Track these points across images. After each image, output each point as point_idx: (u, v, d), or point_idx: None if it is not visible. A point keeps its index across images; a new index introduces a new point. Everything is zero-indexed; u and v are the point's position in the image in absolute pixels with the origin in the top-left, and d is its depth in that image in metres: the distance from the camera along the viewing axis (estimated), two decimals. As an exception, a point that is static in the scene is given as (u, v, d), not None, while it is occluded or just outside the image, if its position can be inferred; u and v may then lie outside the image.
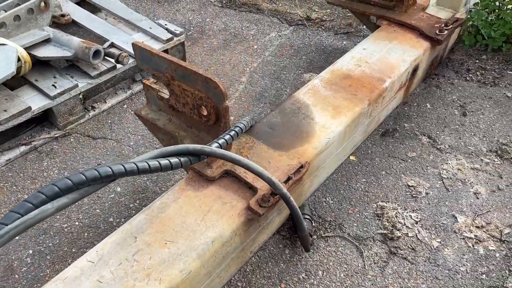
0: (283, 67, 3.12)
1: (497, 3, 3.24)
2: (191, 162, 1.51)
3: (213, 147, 1.58)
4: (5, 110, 2.24)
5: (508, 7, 3.27)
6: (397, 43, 2.64)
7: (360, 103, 2.19)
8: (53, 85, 2.37)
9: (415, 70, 2.65)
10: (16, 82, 2.45)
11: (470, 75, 3.07)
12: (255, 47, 3.31)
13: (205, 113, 1.81)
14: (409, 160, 2.42)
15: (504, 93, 2.90)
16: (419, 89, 2.95)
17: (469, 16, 3.25)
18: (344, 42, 3.41)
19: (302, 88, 2.31)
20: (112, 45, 2.71)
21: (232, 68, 3.09)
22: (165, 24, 2.91)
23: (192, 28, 3.50)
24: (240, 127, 1.79)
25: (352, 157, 2.44)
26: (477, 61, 3.20)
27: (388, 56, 2.52)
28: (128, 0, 3.80)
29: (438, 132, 2.60)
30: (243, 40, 3.39)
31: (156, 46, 2.79)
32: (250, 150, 1.89)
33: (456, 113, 2.75)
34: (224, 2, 3.87)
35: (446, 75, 3.07)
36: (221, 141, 1.67)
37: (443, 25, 2.73)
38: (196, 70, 1.70)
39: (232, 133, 1.73)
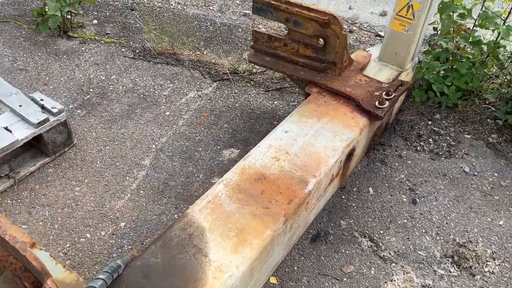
0: (198, 141, 2.59)
1: (450, 51, 2.81)
2: None
3: None
4: None
5: (462, 55, 2.87)
6: (328, 121, 2.17)
7: (273, 223, 1.69)
8: None
9: (350, 153, 2.18)
10: None
11: (422, 143, 2.63)
12: (167, 113, 2.77)
13: (28, 286, 1.26)
14: (345, 279, 1.93)
15: (461, 168, 2.48)
16: (361, 166, 2.48)
17: (418, 65, 2.82)
18: (275, 102, 2.92)
19: (200, 199, 1.79)
20: (-37, 135, 2.12)
21: (134, 146, 2.54)
22: (41, 100, 2.33)
23: (91, 90, 2.93)
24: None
25: (272, 279, 1.93)
26: (429, 122, 2.77)
27: (315, 143, 2.03)
28: (17, 54, 3.19)
29: (381, 231, 2.13)
30: (154, 104, 2.84)
31: (25, 132, 2.21)
32: (103, 331, 1.34)
33: (404, 199, 2.30)
34: (137, 51, 3.32)
35: (394, 144, 2.62)
36: None
37: (385, 93, 2.28)
38: None
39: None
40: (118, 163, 2.42)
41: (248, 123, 2.74)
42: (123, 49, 3.33)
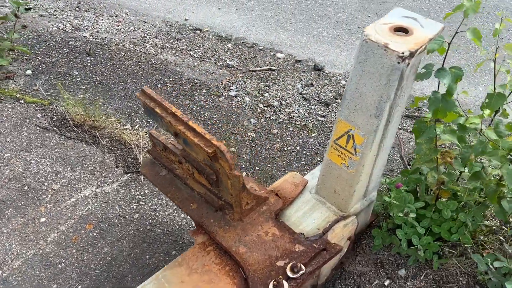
0: (59, 272, 1.99)
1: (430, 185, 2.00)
2: None
3: None
4: None
5: (451, 188, 2.04)
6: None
7: None
8: None
9: None
10: None
11: (364, 321, 1.85)
12: (43, 220, 2.20)
13: None
14: None
15: None
16: None
17: (382, 193, 2.05)
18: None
19: None
20: None
21: (-24, 269, 1.98)
22: None
23: (-29, 172, 2.42)
24: None
25: None
26: (387, 281, 1.98)
27: None
28: None
29: None
30: (33, 202, 2.28)
31: None
32: None
33: None
34: (54, 119, 2.78)
35: (322, 315, 1.86)
36: None
37: (290, 266, 1.54)
38: None
39: None
40: None
41: (137, 248, 2.09)
42: (39, 115, 2.81)
